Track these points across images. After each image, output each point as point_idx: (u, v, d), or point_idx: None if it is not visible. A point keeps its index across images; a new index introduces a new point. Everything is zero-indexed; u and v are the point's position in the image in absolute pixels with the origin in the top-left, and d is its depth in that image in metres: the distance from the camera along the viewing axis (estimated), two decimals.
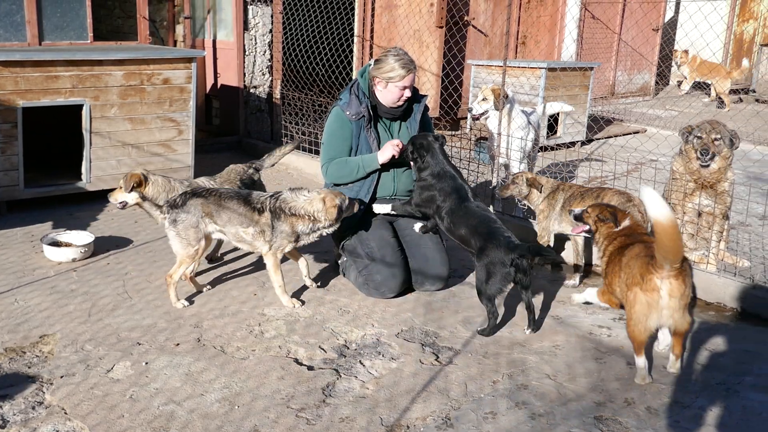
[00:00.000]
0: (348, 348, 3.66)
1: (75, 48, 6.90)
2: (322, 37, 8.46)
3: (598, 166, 7.31)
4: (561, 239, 4.88)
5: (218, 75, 8.62)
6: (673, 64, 13.08)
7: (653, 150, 6.86)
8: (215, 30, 8.53)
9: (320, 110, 8.33)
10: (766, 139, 8.70)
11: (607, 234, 3.70)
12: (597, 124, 9.21)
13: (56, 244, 4.82)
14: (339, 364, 3.48)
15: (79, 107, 5.76)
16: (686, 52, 12.43)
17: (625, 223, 3.68)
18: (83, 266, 4.64)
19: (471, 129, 8.18)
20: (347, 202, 4.06)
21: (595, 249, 4.11)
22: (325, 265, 4.80)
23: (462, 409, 3.12)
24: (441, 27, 8.67)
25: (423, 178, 4.23)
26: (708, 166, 4.48)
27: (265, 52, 8.36)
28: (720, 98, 12.12)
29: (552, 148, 8.40)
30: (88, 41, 7.23)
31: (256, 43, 8.29)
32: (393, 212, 4.39)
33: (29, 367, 3.34)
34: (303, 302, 4.16)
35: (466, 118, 8.96)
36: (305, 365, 3.45)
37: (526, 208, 5.46)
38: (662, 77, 13.69)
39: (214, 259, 4.80)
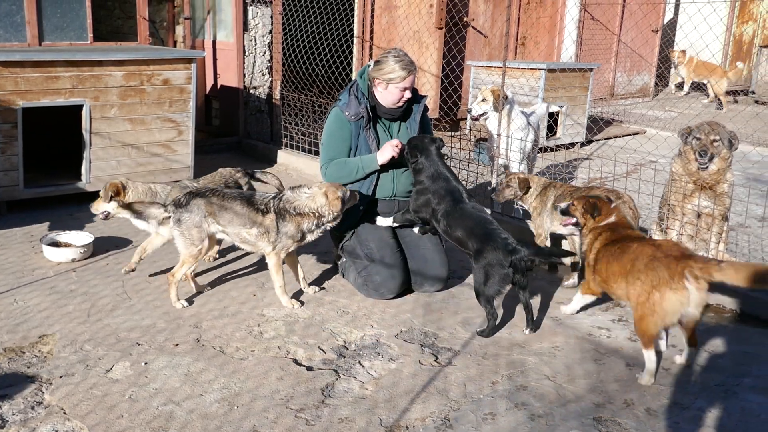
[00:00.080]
0: (347, 349, 3.66)
1: (75, 48, 6.90)
2: (321, 38, 8.46)
3: (598, 167, 7.31)
4: (558, 240, 4.87)
5: (218, 76, 8.62)
6: (671, 65, 13.10)
7: (653, 151, 6.86)
8: (215, 31, 8.53)
9: (320, 111, 8.33)
10: (765, 140, 8.70)
11: (593, 226, 3.72)
12: (596, 125, 9.22)
13: (56, 244, 4.82)
14: (338, 365, 3.48)
15: (79, 108, 5.76)
16: (683, 52, 12.46)
17: (611, 219, 3.70)
18: (83, 266, 4.64)
19: (471, 130, 8.19)
20: (348, 192, 4.10)
21: (577, 240, 4.16)
22: (325, 266, 4.80)
23: (461, 410, 3.12)
24: (441, 28, 8.67)
25: (419, 181, 4.24)
26: (707, 167, 4.48)
27: (264, 52, 8.36)
28: (719, 99, 12.14)
29: (551, 149, 8.41)
30: (88, 42, 7.24)
31: (255, 44, 8.29)
32: (395, 224, 4.41)
33: (28, 367, 3.34)
34: (302, 303, 4.16)
35: (465, 119, 8.96)
36: (304, 366, 3.46)
37: (522, 210, 5.46)
38: (662, 78, 13.70)
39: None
